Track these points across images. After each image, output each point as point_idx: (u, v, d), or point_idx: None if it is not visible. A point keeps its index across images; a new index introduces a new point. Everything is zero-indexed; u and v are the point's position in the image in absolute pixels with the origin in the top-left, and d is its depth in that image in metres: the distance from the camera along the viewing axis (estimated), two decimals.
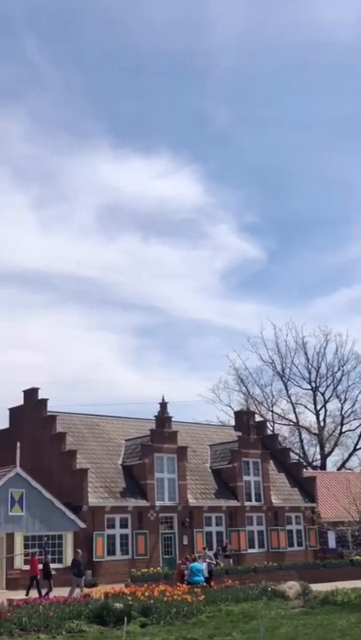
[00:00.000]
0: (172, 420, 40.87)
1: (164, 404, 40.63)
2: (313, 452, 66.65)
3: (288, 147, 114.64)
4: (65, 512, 34.55)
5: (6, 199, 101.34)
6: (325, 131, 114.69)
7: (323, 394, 65.67)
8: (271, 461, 45.66)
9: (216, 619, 21.22)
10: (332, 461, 66.25)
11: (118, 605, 20.51)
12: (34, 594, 27.10)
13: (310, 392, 65.87)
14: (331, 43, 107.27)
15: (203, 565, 29.08)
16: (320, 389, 65.61)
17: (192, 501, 39.68)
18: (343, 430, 65.59)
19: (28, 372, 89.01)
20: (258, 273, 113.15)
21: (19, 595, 25.59)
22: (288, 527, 44.08)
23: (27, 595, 26.65)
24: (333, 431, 65.65)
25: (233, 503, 41.57)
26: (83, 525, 34.87)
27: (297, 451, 64.10)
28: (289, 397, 66.14)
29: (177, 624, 20.22)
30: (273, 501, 43.60)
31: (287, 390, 65.99)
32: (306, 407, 66.23)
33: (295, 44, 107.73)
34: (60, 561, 33.32)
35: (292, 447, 62.13)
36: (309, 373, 65.61)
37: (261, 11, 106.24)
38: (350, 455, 65.61)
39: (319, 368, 65.37)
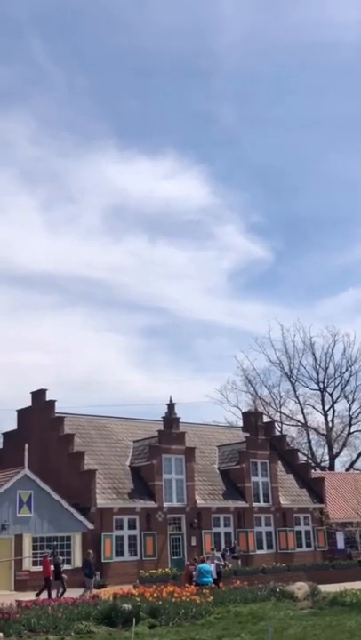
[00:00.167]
0: (180, 421, 40.86)
1: (171, 405, 40.63)
2: (321, 452, 66.58)
3: (294, 147, 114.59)
4: (73, 513, 34.58)
5: (13, 201, 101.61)
6: (331, 131, 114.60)
7: (331, 394, 65.56)
8: (279, 462, 45.59)
9: (225, 620, 21.21)
10: (341, 462, 66.15)
11: (127, 606, 20.52)
12: (44, 594, 27.20)
13: (318, 392, 65.78)
14: (336, 43, 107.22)
15: (211, 566, 29.05)
16: (328, 390, 65.52)
17: (200, 502, 39.67)
18: (351, 431, 65.44)
19: (35, 374, 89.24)
20: (265, 273, 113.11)
21: (27, 596, 25.62)
22: (296, 528, 44.01)
23: (48, 595, 26.68)
24: (342, 432, 65.48)
25: (241, 504, 41.54)
26: (91, 526, 34.90)
27: (305, 451, 63.97)
28: (297, 398, 66.07)
29: (185, 625, 20.21)
30: (281, 502, 43.54)
31: (295, 391, 65.94)
32: (314, 408, 66.13)
33: (300, 45, 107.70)
34: (68, 562, 33.31)
35: (301, 448, 62.02)
36: (317, 374, 65.53)
37: (266, 11, 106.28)
38: (359, 456, 65.43)
39: (327, 368, 65.28)
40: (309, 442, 66.28)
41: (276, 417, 64.36)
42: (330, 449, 64.97)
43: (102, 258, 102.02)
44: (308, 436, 66.24)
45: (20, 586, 31.32)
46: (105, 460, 39.10)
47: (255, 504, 42.20)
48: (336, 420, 65.56)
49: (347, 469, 63.22)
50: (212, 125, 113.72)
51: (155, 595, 23.37)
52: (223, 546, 38.96)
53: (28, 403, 41.53)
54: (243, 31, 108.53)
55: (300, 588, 26.90)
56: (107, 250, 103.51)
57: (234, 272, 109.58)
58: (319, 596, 26.35)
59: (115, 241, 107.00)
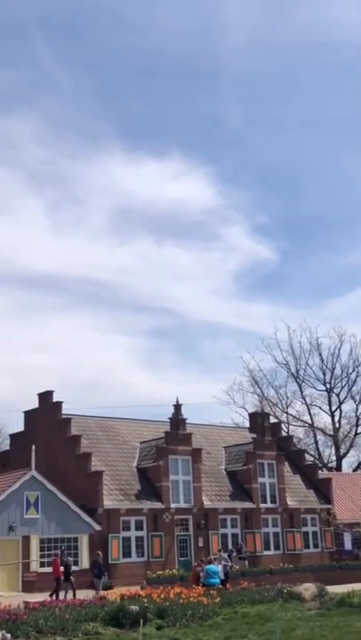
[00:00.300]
0: (187, 422, 40.86)
1: (178, 406, 40.62)
2: (328, 453, 66.48)
3: (299, 147, 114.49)
4: (80, 515, 34.60)
5: (20, 203, 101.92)
6: (336, 131, 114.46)
7: (338, 395, 65.44)
8: (286, 463, 45.53)
9: (232, 621, 21.21)
10: (348, 463, 66.07)
11: (134, 608, 20.54)
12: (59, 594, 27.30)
13: (325, 393, 65.66)
14: (340, 43, 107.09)
15: (219, 567, 29.03)
16: (335, 390, 65.40)
17: (207, 503, 39.66)
18: (359, 431, 65.27)
19: (42, 375, 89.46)
20: (271, 274, 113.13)
21: (35, 597, 25.64)
22: (304, 529, 43.95)
23: (56, 597, 26.71)
24: (349, 432, 65.35)
25: (248, 505, 41.51)
26: (98, 528, 34.92)
27: (312, 452, 63.87)
28: (304, 399, 65.98)
29: (193, 626, 20.22)
30: (288, 503, 43.48)
31: (302, 392, 65.85)
32: (321, 408, 66.02)
33: (305, 45, 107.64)
34: (75, 564, 33.19)
35: (308, 449, 61.92)
36: (324, 374, 65.42)
37: (271, 12, 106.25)
38: None
39: (334, 369, 65.16)
40: (316, 442, 66.24)
41: (283, 418, 64.33)
42: (337, 450, 64.86)
43: (108, 259, 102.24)
44: (315, 436, 66.17)
45: (28, 587, 31.36)
46: (112, 461, 39.13)
47: (262, 505, 42.16)
48: (343, 421, 65.52)
49: (354, 470, 63.12)
50: (217, 126, 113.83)
51: (162, 596, 23.37)
52: (230, 547, 38.94)
53: (34, 404, 41.60)
54: (248, 32, 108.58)
55: (308, 588, 26.88)
56: (113, 251, 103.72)
57: (240, 273, 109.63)
58: (327, 596, 26.32)
59: (121, 242, 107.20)
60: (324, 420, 66.22)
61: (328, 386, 65.35)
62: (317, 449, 65.90)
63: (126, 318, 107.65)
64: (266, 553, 41.19)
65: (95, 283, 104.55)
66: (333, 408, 65.39)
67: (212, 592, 25.05)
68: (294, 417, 66.07)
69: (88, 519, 34.73)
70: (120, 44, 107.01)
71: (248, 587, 28.12)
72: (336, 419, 65.37)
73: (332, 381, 65.23)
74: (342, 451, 64.81)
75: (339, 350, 64.99)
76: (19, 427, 43.22)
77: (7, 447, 47.22)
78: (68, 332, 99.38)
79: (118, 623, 19.84)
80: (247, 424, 52.22)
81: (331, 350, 65.42)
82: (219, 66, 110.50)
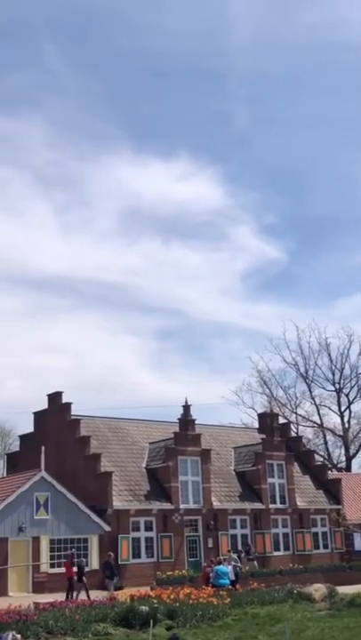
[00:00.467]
0: (196, 422, 40.82)
1: (187, 407, 40.61)
2: (338, 453, 66.30)
3: (307, 147, 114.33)
4: (90, 515, 34.63)
5: (29, 205, 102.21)
6: (344, 130, 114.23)
7: (347, 395, 65.26)
8: (296, 463, 45.45)
9: (242, 621, 21.21)
10: (358, 463, 65.86)
11: (144, 608, 20.57)
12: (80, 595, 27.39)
13: (334, 393, 65.49)
14: (347, 43, 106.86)
15: (229, 568, 29.01)
16: (344, 391, 65.23)
17: (216, 504, 39.62)
18: None
19: (51, 376, 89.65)
20: (279, 274, 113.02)
21: (45, 598, 25.69)
22: (313, 529, 43.86)
23: (68, 597, 26.76)
24: (358, 433, 65.17)
25: (257, 506, 41.45)
26: (108, 528, 34.94)
27: (322, 453, 63.72)
28: (313, 399, 65.84)
29: (203, 627, 20.24)
30: (298, 504, 43.40)
31: (311, 392, 65.72)
32: (330, 409, 65.87)
33: (312, 45, 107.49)
34: (85, 564, 33.36)
35: (317, 449, 61.78)
36: (333, 375, 65.26)
37: (278, 12, 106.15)
38: None
39: (343, 369, 64.98)
40: (326, 443, 66.07)
41: (292, 418, 64.20)
42: (346, 450, 64.69)
43: (116, 260, 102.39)
44: (324, 437, 66.01)
45: (38, 588, 31.41)
46: (121, 461, 39.16)
47: (272, 506, 42.09)
48: (353, 421, 65.33)
49: None
50: (224, 127, 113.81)
51: (172, 596, 23.40)
52: (240, 547, 38.90)
53: (44, 405, 41.65)
54: (254, 32, 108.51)
55: (318, 589, 26.86)
56: (121, 252, 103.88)
57: (248, 273, 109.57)
58: (337, 597, 26.30)
59: (129, 243, 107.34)
60: (333, 420, 66.14)
61: (337, 386, 65.24)
62: (327, 449, 65.78)
63: (135, 319, 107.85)
64: (276, 554, 41.12)
65: (103, 284, 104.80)
66: (343, 408, 65.28)
67: (221, 593, 25.04)
68: (303, 417, 65.99)
69: (98, 520, 34.76)
70: (127, 46, 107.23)
71: (258, 587, 28.09)
72: (345, 419, 65.26)
73: (342, 381, 65.14)
74: (352, 451, 64.64)
75: (348, 350, 64.86)
76: (28, 428, 43.35)
77: (17, 448, 47.33)
78: (76, 333, 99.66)
79: (128, 624, 19.88)
80: (256, 425, 52.14)
81: (340, 350, 65.32)
82: (226, 66, 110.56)
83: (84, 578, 28.63)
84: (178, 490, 38.27)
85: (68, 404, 40.13)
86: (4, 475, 49.92)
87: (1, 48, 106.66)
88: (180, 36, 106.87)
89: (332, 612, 23.69)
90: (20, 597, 27.43)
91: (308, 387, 65.61)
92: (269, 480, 42.64)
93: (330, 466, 58.90)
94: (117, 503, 35.94)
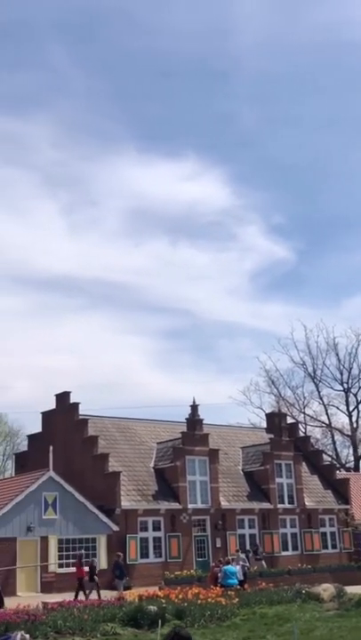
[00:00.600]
0: (204, 422, 40.82)
1: (194, 407, 40.60)
2: (346, 453, 66.23)
3: (315, 147, 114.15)
4: (98, 515, 34.66)
5: (36, 205, 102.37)
6: (352, 130, 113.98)
7: (355, 395, 65.17)
8: (304, 463, 45.38)
9: (250, 621, 21.19)
10: None
11: (152, 608, 20.58)
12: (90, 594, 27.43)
13: (342, 393, 65.42)
14: (355, 42, 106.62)
15: (237, 568, 28.99)
16: (352, 390, 65.15)
17: (224, 504, 39.61)
18: None
19: (59, 376, 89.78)
20: (287, 274, 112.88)
21: (53, 598, 25.75)
22: (322, 529, 43.79)
23: (77, 597, 26.79)
24: None
25: (266, 505, 41.41)
26: (116, 528, 34.97)
27: (330, 452, 63.64)
28: (321, 399, 65.76)
29: (211, 627, 20.24)
30: (306, 503, 43.34)
31: (319, 392, 65.64)
32: (338, 408, 65.79)
33: (320, 44, 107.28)
34: (96, 564, 33.41)
35: (325, 449, 61.69)
36: (341, 374, 65.17)
37: (285, 11, 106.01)
38: None
39: (351, 369, 64.90)
40: (334, 443, 65.99)
41: (300, 418, 64.16)
42: (355, 450, 64.58)
43: (124, 260, 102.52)
44: (332, 436, 65.91)
45: (46, 588, 31.46)
46: (129, 461, 39.18)
47: (280, 505, 42.04)
48: None
49: None
50: (232, 126, 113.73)
51: (180, 596, 23.41)
52: (247, 547, 38.86)
53: (52, 405, 41.72)
54: (262, 31, 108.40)
55: (326, 589, 26.81)
56: (128, 253, 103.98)
57: (256, 273, 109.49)
58: (345, 597, 26.23)
59: (136, 244, 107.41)
60: (341, 420, 66.07)
61: (345, 386, 65.16)
62: (335, 449, 65.70)
63: (142, 319, 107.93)
64: (284, 553, 41.07)
65: (111, 284, 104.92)
66: (351, 408, 65.21)
67: (230, 593, 25.03)
68: (312, 417, 65.92)
69: (106, 520, 34.79)
70: (133, 46, 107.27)
71: (266, 587, 28.07)
72: (354, 419, 65.18)
73: (350, 381, 65.06)
74: (360, 451, 64.49)
75: (356, 350, 64.81)
76: (36, 428, 43.42)
77: (25, 448, 47.42)
78: (83, 333, 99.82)
79: (137, 624, 19.90)
80: (264, 424, 52.10)
81: (348, 350, 65.30)
82: (232, 66, 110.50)
83: (95, 577, 28.70)
84: (186, 490, 38.27)
85: (76, 404, 40.18)
86: (13, 474, 50.04)
87: (8, 48, 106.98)
88: (186, 36, 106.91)
89: (340, 611, 23.64)
90: (28, 597, 27.49)
91: (316, 386, 65.58)
92: (277, 480, 42.59)
93: (338, 466, 58.80)
94: (125, 503, 35.97)
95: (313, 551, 42.40)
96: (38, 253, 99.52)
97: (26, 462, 41.80)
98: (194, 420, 40.30)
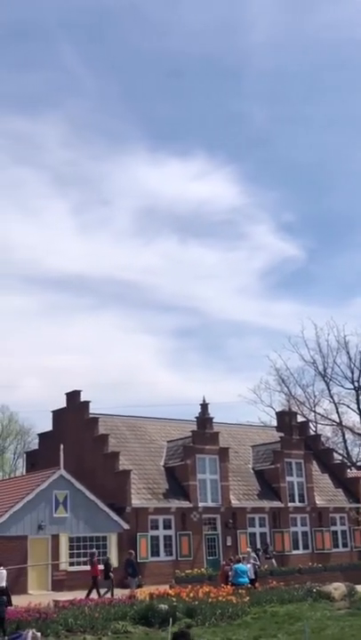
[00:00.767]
0: (214, 420, 40.82)
1: (204, 405, 40.60)
2: (357, 452, 65.94)
3: (325, 145, 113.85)
4: (109, 513, 34.72)
5: (46, 205, 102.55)
6: None
7: None
8: (314, 462, 45.32)
9: (261, 620, 21.16)
10: None
11: (163, 607, 20.59)
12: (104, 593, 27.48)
13: (353, 392, 65.06)
14: None
15: (248, 566, 28.97)
16: None
17: (235, 502, 39.58)
18: None
19: (69, 375, 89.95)
20: (297, 272, 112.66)
21: (65, 596, 25.81)
22: (333, 528, 43.70)
23: (89, 595, 26.84)
24: None
25: (276, 504, 41.35)
26: (126, 527, 35.01)
27: (340, 451, 63.43)
28: (331, 397, 65.51)
29: (222, 625, 20.22)
30: (317, 502, 43.26)
31: (329, 390, 65.39)
32: (349, 407, 65.48)
33: (331, 42, 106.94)
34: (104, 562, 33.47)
35: (336, 447, 61.48)
36: (352, 373, 64.85)
37: (296, 9, 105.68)
38: None
39: None
40: (345, 441, 65.75)
41: (311, 416, 63.95)
42: None
43: (134, 260, 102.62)
44: (343, 435, 65.68)
45: (58, 586, 31.55)
46: (139, 460, 39.22)
47: (290, 504, 41.98)
48: None
49: None
50: (242, 125, 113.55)
51: (191, 595, 23.41)
52: (258, 546, 38.82)
53: (62, 404, 41.80)
54: (272, 30, 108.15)
55: (337, 588, 26.74)
56: (138, 251, 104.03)
57: (265, 271, 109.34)
58: (356, 596, 26.17)
59: (146, 242, 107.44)
60: (352, 418, 65.76)
61: (356, 384, 64.82)
62: (346, 448, 65.46)
63: (152, 318, 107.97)
64: (295, 552, 41.02)
65: (121, 283, 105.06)
66: None
67: (240, 591, 25.01)
68: (322, 416, 65.68)
69: (116, 518, 34.84)
70: (143, 45, 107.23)
71: (277, 586, 28.04)
72: None
73: None
74: None
75: None
76: (47, 426, 43.52)
77: (36, 446, 47.53)
78: (94, 332, 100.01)
79: (148, 622, 19.91)
80: (274, 423, 52.01)
81: (359, 348, 64.80)
82: (242, 64, 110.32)
83: (111, 575, 28.77)
84: (196, 488, 38.27)
85: (87, 403, 40.24)
86: (24, 473, 50.21)
87: (18, 48, 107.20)
88: (196, 35, 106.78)
89: (351, 610, 23.56)
90: (39, 595, 27.58)
91: (327, 385, 65.32)
92: (288, 478, 42.53)
93: (349, 464, 58.56)
94: (136, 501, 36.00)
95: (324, 550, 42.33)
96: (48, 253, 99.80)
97: (37, 461, 41.92)
98: (204, 419, 40.30)
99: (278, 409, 57.02)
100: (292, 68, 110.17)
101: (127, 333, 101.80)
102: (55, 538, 32.87)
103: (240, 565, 28.40)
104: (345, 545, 44.02)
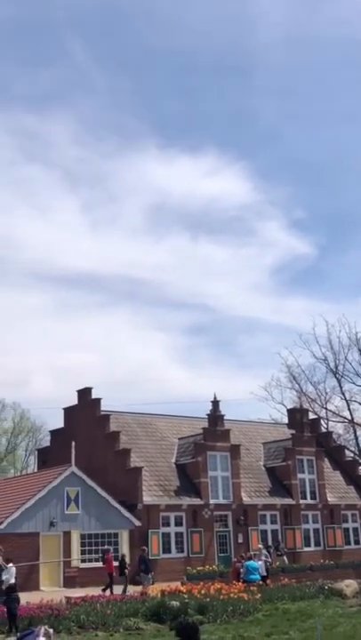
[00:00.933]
0: (225, 418, 40.80)
1: (216, 403, 40.58)
2: None
3: (336, 141, 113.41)
4: (120, 510, 34.76)
5: (57, 202, 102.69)
6: None
7: None
8: (326, 459, 45.21)
9: (273, 617, 21.14)
10: None
11: (175, 603, 20.62)
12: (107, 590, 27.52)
13: None
14: None
15: (259, 563, 28.95)
16: None
17: (246, 499, 39.56)
18: None
19: (81, 372, 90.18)
20: (308, 269, 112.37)
21: (76, 592, 25.87)
22: (344, 525, 43.62)
23: (111, 591, 26.89)
24: None
25: (288, 501, 41.30)
26: (138, 523, 35.06)
27: (352, 448, 63.25)
28: (343, 394, 65.26)
29: (234, 622, 20.22)
30: (328, 499, 43.18)
31: (341, 387, 65.13)
32: (360, 404, 65.33)
33: (341, 38, 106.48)
34: (115, 559, 33.39)
35: (348, 445, 61.35)
36: None
37: (306, 6, 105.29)
38: None
39: None
40: (356, 438, 65.50)
41: (322, 414, 63.71)
42: None
43: (145, 257, 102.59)
44: (355, 432, 65.46)
45: (69, 582, 31.63)
46: (151, 457, 39.25)
47: (302, 501, 41.92)
48: None
49: None
50: (253, 122, 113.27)
51: (202, 592, 23.42)
52: (270, 543, 38.79)
53: (74, 401, 41.85)
54: (283, 26, 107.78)
55: (349, 585, 26.71)
56: (149, 249, 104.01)
57: (277, 268, 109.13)
58: None
59: (157, 240, 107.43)
60: None
61: None
62: (357, 445, 65.21)
63: (163, 315, 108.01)
64: (306, 549, 40.98)
65: (132, 280, 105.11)
66: None
67: (252, 588, 25.01)
68: (334, 413, 65.43)
69: (128, 515, 34.89)
70: (154, 43, 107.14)
71: (289, 583, 28.05)
72: None
73: None
74: None
75: None
76: (58, 423, 43.63)
77: (47, 444, 47.66)
78: (106, 329, 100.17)
79: (159, 619, 19.95)
80: (286, 420, 51.95)
81: None
82: (252, 61, 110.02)
83: (126, 571, 28.84)
84: (207, 485, 38.27)
85: (98, 400, 40.29)
86: (35, 470, 50.34)
87: (29, 46, 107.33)
88: (208, 32, 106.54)
89: None
90: (51, 592, 27.68)
91: (338, 382, 65.06)
92: (299, 475, 42.47)
93: None
94: (147, 498, 36.04)
95: (335, 547, 42.26)
96: (60, 251, 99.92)
97: (48, 458, 42.02)
98: (215, 416, 40.28)
99: (289, 406, 56.94)
100: (303, 64, 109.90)
101: (138, 331, 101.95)
102: (67, 534, 32.96)
103: (251, 562, 28.39)
104: (357, 542, 43.92)
